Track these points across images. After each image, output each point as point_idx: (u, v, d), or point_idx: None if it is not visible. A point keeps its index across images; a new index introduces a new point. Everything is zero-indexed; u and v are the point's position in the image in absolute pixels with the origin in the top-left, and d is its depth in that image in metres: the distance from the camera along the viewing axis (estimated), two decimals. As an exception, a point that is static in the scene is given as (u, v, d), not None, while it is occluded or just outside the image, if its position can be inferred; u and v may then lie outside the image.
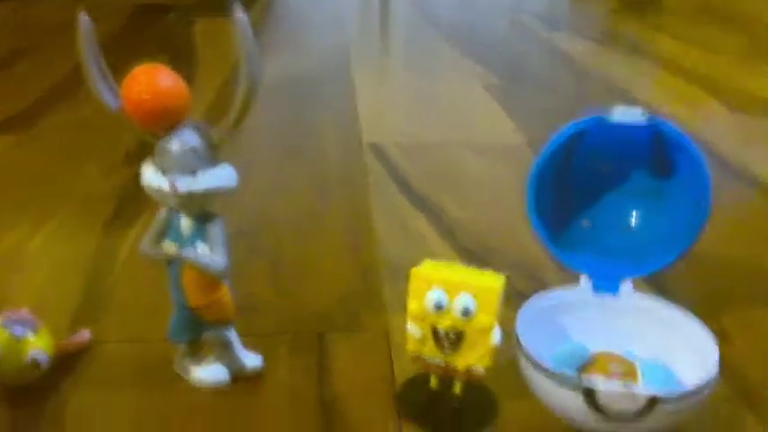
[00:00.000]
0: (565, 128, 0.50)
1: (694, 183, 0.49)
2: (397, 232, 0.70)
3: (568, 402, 0.41)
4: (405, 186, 0.80)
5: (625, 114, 0.49)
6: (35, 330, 0.47)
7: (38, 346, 0.46)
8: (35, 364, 0.45)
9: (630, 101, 1.14)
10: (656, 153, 0.51)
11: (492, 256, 0.65)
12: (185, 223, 0.45)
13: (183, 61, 1.33)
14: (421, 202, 0.76)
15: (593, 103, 1.14)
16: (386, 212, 0.74)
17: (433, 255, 0.65)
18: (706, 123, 1.03)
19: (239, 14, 0.41)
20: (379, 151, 0.91)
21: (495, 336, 0.43)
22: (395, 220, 0.72)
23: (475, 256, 0.66)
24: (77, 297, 0.59)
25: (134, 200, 0.76)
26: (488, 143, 0.95)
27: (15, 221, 0.72)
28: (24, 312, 0.50)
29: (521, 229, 0.64)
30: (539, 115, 1.08)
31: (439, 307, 0.43)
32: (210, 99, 1.09)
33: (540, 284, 0.60)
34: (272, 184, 0.82)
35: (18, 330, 0.46)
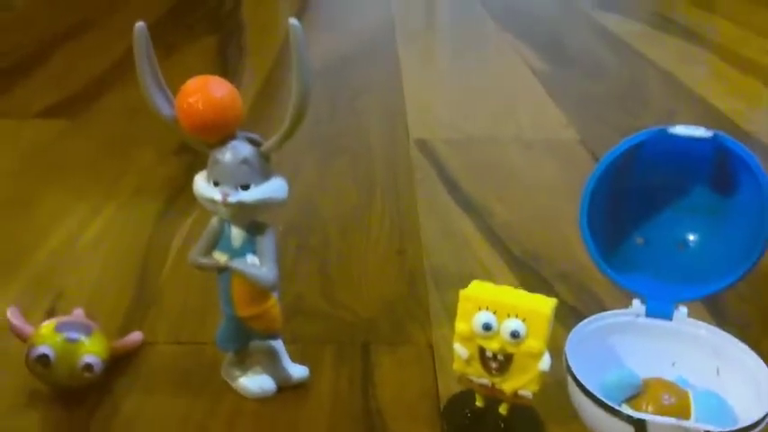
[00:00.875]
0: (624, 141, 0.49)
1: (756, 202, 0.47)
2: (443, 237, 0.69)
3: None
4: (452, 186, 0.79)
5: (688, 128, 0.48)
6: (89, 334, 0.48)
7: (92, 350, 0.47)
8: (88, 368, 0.46)
9: (685, 92, 1.10)
10: (718, 169, 0.49)
11: (541, 266, 0.64)
12: (236, 234, 0.45)
13: (232, 43, 1.33)
14: (468, 204, 0.75)
15: (643, 94, 1.12)
16: (432, 214, 0.73)
17: (480, 263, 0.65)
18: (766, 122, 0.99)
19: (293, 21, 0.41)
20: (425, 147, 0.90)
21: (545, 361, 0.42)
22: (441, 223, 0.72)
23: (523, 265, 0.65)
24: (129, 294, 0.60)
25: (186, 190, 0.76)
26: (538, 138, 0.93)
27: (68, 212, 0.73)
28: (79, 315, 0.51)
29: (571, 236, 0.63)
30: (589, 105, 1.06)
31: (487, 329, 0.43)
32: (258, 86, 1.10)
33: (591, 297, 0.60)
34: (319, 178, 0.82)
35: (72, 334, 0.47)
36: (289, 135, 0.43)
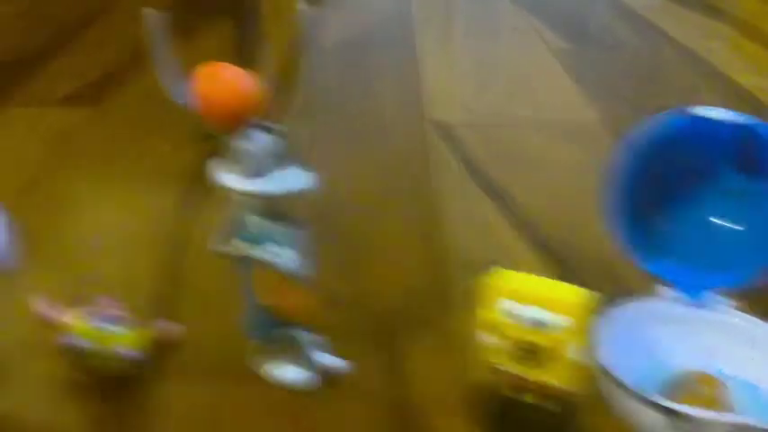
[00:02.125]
0: (650, 124, 0.48)
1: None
2: (465, 221, 0.69)
3: (652, 424, 0.40)
4: (471, 168, 0.79)
5: (718, 112, 0.47)
6: (123, 325, 0.48)
7: (125, 341, 0.47)
8: (121, 358, 0.47)
9: (707, 69, 1.09)
10: (747, 152, 0.48)
11: (567, 252, 0.64)
12: (256, 222, 0.45)
13: (248, 26, 1.32)
14: (489, 187, 0.75)
15: (664, 71, 1.10)
16: (453, 198, 0.73)
17: (505, 249, 0.64)
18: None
19: (302, 7, 0.40)
20: (443, 129, 0.89)
21: (572, 351, 0.42)
22: (463, 207, 0.71)
23: (550, 251, 0.64)
24: (154, 280, 0.60)
25: (205, 176, 0.76)
26: (558, 119, 0.92)
27: (91, 200, 0.74)
28: (113, 305, 0.52)
29: (595, 220, 0.62)
30: (609, 84, 1.04)
31: (510, 317, 0.42)
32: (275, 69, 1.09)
33: (617, 284, 0.59)
34: (337, 165, 0.81)
35: (105, 324, 0.47)
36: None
